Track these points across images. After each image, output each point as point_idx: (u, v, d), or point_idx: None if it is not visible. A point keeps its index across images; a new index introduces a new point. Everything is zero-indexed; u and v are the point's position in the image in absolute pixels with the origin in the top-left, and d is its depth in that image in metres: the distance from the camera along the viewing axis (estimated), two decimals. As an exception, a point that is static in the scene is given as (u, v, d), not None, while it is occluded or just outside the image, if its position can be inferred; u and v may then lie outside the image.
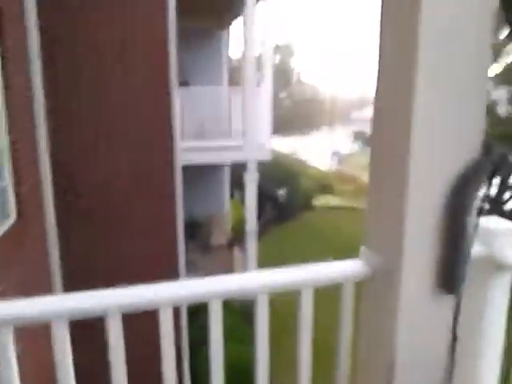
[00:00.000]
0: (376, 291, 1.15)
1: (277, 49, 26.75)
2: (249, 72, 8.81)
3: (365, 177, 22.36)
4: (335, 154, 29.62)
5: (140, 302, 1.11)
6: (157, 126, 5.19)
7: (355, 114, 51.68)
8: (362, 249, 1.20)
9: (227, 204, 12.95)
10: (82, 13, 4.95)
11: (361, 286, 1.20)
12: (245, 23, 8.17)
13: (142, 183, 5.39)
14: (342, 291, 1.22)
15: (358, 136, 13.03)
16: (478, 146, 0.90)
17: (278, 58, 29.27)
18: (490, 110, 10.70)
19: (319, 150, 30.25)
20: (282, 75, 27.23)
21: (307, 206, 15.87)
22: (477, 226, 1.02)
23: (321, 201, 17.27)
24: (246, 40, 8.54)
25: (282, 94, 31.16)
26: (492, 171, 0.92)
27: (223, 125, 9.34)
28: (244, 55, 8.52)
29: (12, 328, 1.02)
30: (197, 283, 1.16)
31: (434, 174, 0.93)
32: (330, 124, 32.25)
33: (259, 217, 9.86)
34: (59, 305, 1.06)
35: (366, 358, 1.23)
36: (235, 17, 10.00)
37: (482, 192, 0.94)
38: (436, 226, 0.98)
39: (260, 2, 8.49)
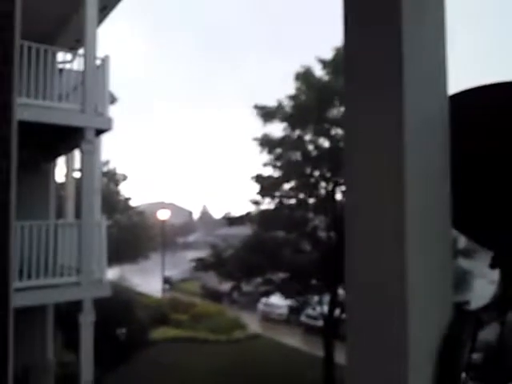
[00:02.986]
0: None
1: (104, 175, 26.55)
2: (82, 203, 8.37)
3: (200, 304, 21.98)
4: (166, 280, 28.95)
5: None
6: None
7: (182, 239, 52.59)
8: None
9: (50, 351, 11.16)
10: None
11: None
12: (83, 158, 7.99)
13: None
14: None
15: (200, 263, 13.19)
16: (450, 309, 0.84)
17: (104, 184, 28.86)
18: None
19: (150, 278, 29.19)
20: (109, 203, 26.67)
21: (146, 341, 14.65)
22: None
23: (159, 333, 16.18)
24: (83, 172, 8.27)
25: (108, 222, 29.93)
26: (473, 334, 0.85)
27: (52, 261, 8.41)
28: (82, 187, 8.17)
29: None
30: None
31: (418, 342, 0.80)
32: (159, 250, 31.94)
33: (96, 363, 8.66)
34: None
35: None
36: (69, 149, 9.70)
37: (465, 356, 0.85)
38: None
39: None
